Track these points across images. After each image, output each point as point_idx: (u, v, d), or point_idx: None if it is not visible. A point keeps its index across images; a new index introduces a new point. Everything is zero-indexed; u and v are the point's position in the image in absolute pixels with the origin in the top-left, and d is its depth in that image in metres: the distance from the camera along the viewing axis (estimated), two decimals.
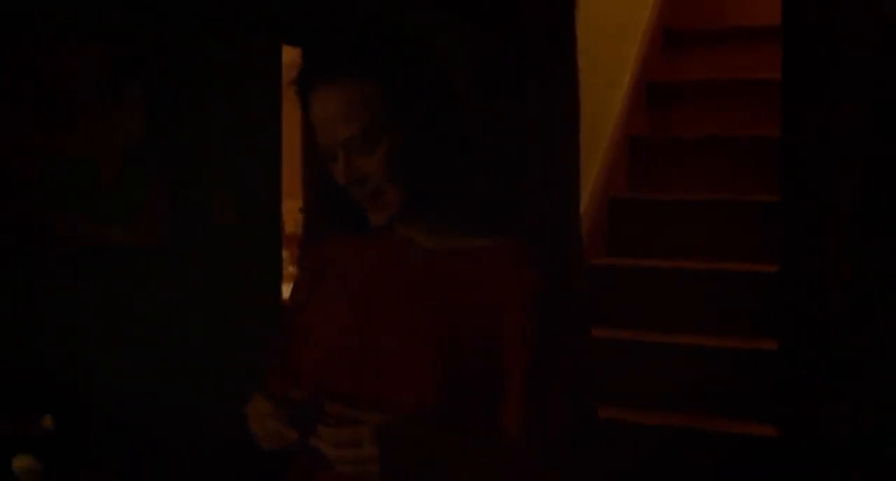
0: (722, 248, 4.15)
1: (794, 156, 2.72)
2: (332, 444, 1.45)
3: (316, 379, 1.63)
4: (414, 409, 1.54)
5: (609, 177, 4.41)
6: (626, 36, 4.79)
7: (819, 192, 2.66)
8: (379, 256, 1.70)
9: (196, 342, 2.93)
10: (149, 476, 2.78)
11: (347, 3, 2.80)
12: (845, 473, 2.63)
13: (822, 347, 2.65)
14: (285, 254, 3.49)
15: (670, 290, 4.00)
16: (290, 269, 3.79)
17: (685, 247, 4.22)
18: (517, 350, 1.56)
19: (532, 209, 3.00)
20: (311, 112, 1.59)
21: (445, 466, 1.51)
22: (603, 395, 3.68)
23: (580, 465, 1.59)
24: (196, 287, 2.95)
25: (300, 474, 1.66)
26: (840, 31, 2.62)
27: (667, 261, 4.14)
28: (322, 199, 1.74)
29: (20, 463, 2.18)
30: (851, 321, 2.60)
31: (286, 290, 3.14)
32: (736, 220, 4.17)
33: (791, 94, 2.73)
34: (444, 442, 1.52)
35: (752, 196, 4.20)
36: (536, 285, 1.58)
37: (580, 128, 3.20)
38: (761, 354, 3.52)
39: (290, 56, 3.23)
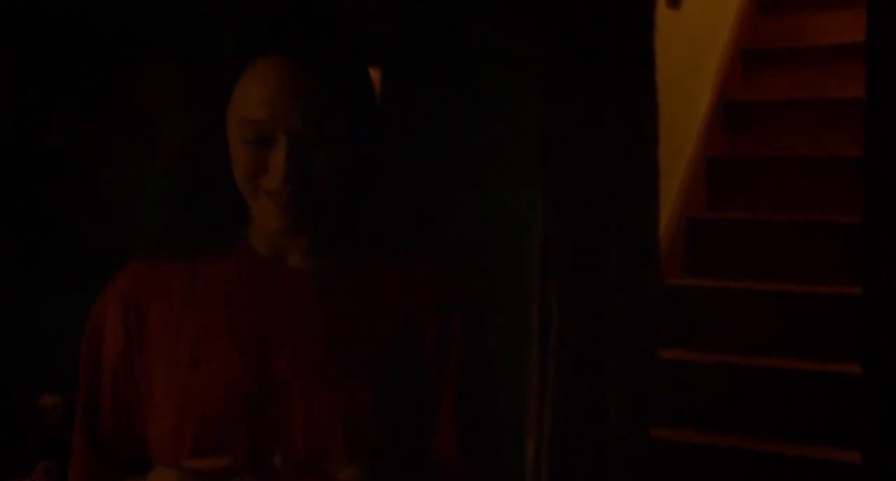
0: (801, 270, 4.09)
1: (877, 176, 2.68)
2: None
3: (189, 442, 1.35)
4: (345, 456, 1.33)
5: (687, 198, 4.38)
6: (705, 56, 4.76)
7: None
8: (248, 283, 1.43)
9: None
10: None
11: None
12: None
13: None
14: None
15: (748, 312, 3.96)
16: None
17: (764, 269, 4.17)
18: (442, 375, 1.42)
19: (609, 229, 3.00)
20: (253, 80, 1.36)
21: None
22: (681, 417, 3.66)
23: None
24: None
25: None
26: None
27: (745, 282, 4.10)
28: (181, 198, 1.51)
29: None
30: None
31: None
32: (816, 242, 4.12)
33: (874, 112, 2.69)
34: None
35: (832, 217, 4.14)
36: (452, 304, 1.44)
37: (659, 148, 3.19)
38: (843, 378, 3.47)
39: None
